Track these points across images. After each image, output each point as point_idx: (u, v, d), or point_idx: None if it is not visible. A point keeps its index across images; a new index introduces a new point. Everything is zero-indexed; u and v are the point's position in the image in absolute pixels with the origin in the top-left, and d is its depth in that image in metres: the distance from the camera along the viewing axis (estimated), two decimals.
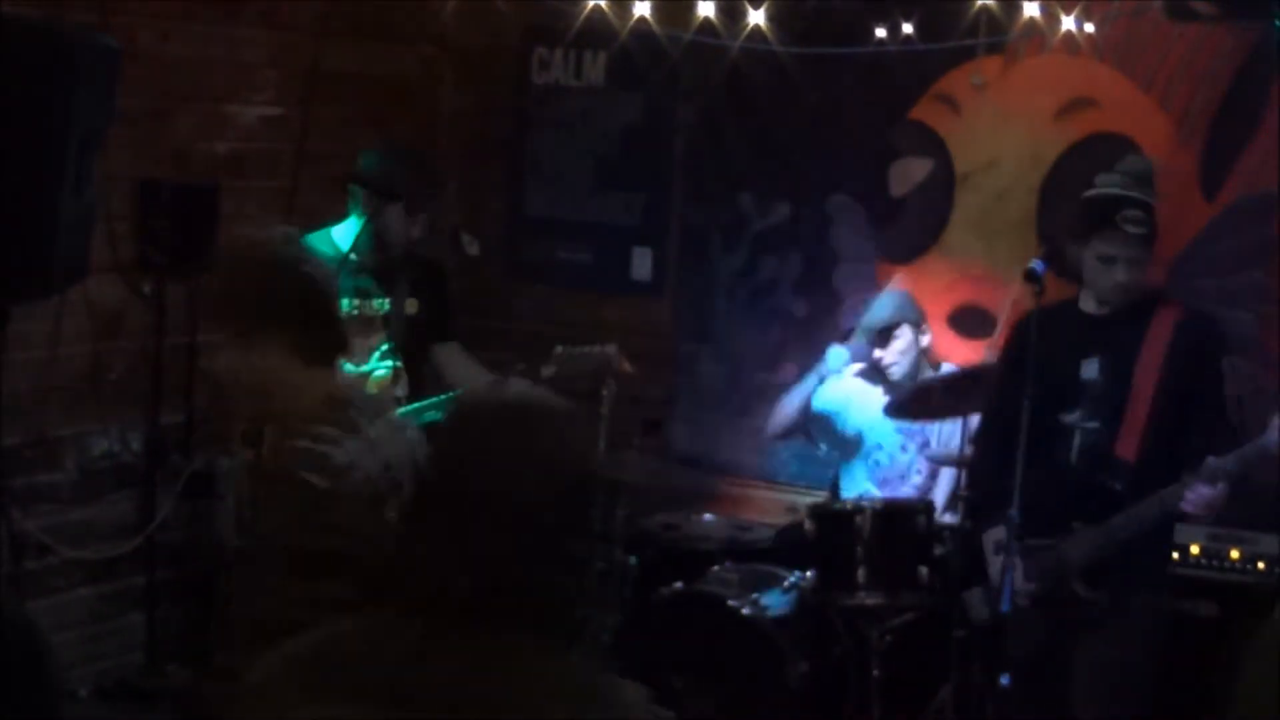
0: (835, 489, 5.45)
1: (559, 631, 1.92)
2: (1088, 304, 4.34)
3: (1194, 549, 4.85)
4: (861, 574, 4.76)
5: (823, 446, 5.55)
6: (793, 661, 4.68)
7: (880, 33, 5.21)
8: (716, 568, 5.15)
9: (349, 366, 4.85)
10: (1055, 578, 4.14)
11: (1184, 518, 4.16)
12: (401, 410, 4.37)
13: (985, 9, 4.67)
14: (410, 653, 1.88)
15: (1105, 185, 4.28)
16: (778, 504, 5.94)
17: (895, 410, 5.08)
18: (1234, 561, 4.82)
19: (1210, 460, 3.98)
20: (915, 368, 5.30)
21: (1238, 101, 5.18)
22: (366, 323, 4.91)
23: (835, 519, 4.88)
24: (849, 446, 5.46)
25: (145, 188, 5.34)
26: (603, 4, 4.89)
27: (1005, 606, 3.90)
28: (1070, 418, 4.17)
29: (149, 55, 5.28)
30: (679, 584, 4.93)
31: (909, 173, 5.75)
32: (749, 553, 5.35)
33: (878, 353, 5.32)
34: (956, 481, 5.12)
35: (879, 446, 5.40)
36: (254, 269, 3.27)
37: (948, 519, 5.00)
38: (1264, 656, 2.90)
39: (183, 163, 5.50)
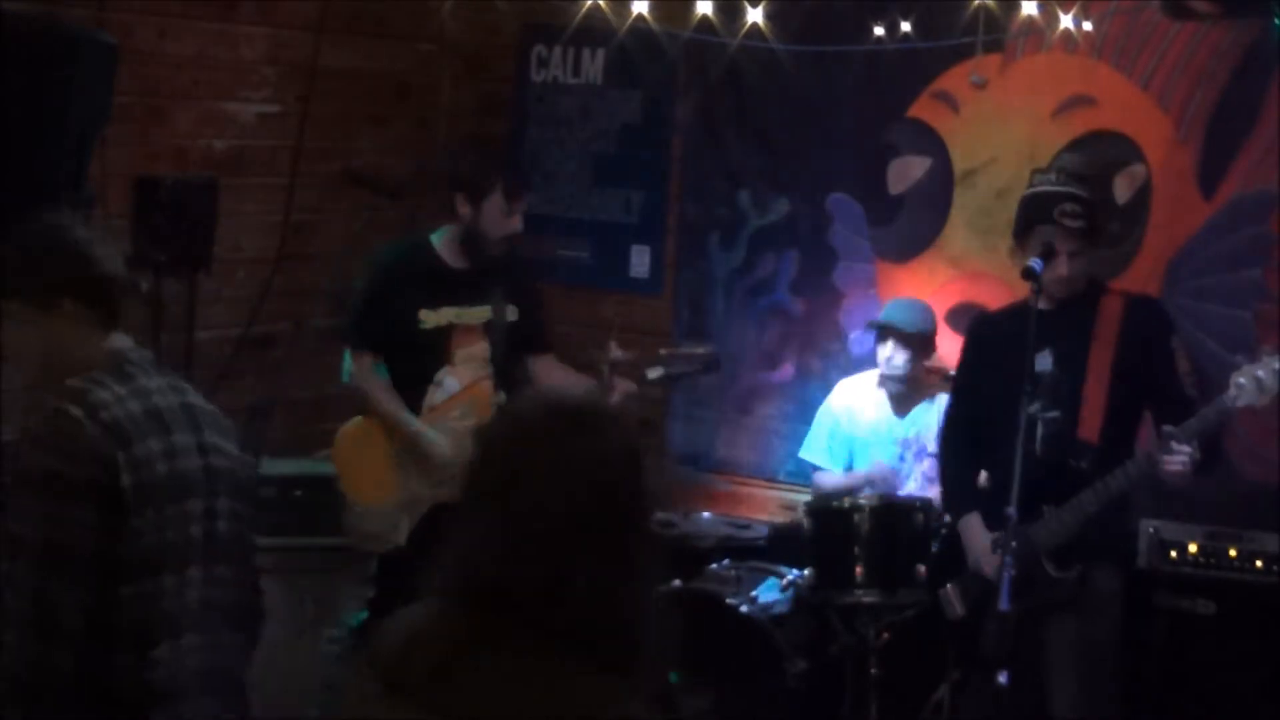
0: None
1: (610, 651, 1.87)
2: (1039, 301, 4.40)
3: (1192, 547, 4.87)
4: (859, 572, 4.77)
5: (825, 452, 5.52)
6: (791, 659, 4.68)
7: (879, 31, 5.20)
8: (714, 565, 5.15)
9: (451, 381, 4.83)
10: (1027, 562, 4.19)
11: (1164, 486, 4.26)
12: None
13: (984, 7, 4.66)
14: (453, 650, 1.85)
15: (1040, 184, 4.37)
16: (775, 502, 5.95)
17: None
18: (1232, 560, 4.84)
19: (1166, 429, 4.11)
20: (913, 370, 5.29)
21: (1236, 100, 5.18)
22: (468, 331, 4.85)
23: (833, 517, 4.88)
24: (849, 453, 5.45)
25: (143, 184, 5.33)
26: (601, 2, 4.88)
27: (1004, 605, 3.91)
28: (1031, 409, 4.23)
29: (147, 51, 5.28)
30: (676, 582, 4.93)
31: (907, 171, 5.75)
32: (747, 550, 5.35)
33: (884, 353, 5.29)
34: None
35: (876, 454, 5.39)
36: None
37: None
38: None
39: (181, 159, 5.50)
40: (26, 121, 3.92)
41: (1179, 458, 4.05)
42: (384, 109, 6.26)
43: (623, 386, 4.82)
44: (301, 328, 5.78)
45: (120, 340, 3.10)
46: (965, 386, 4.66)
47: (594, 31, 5.58)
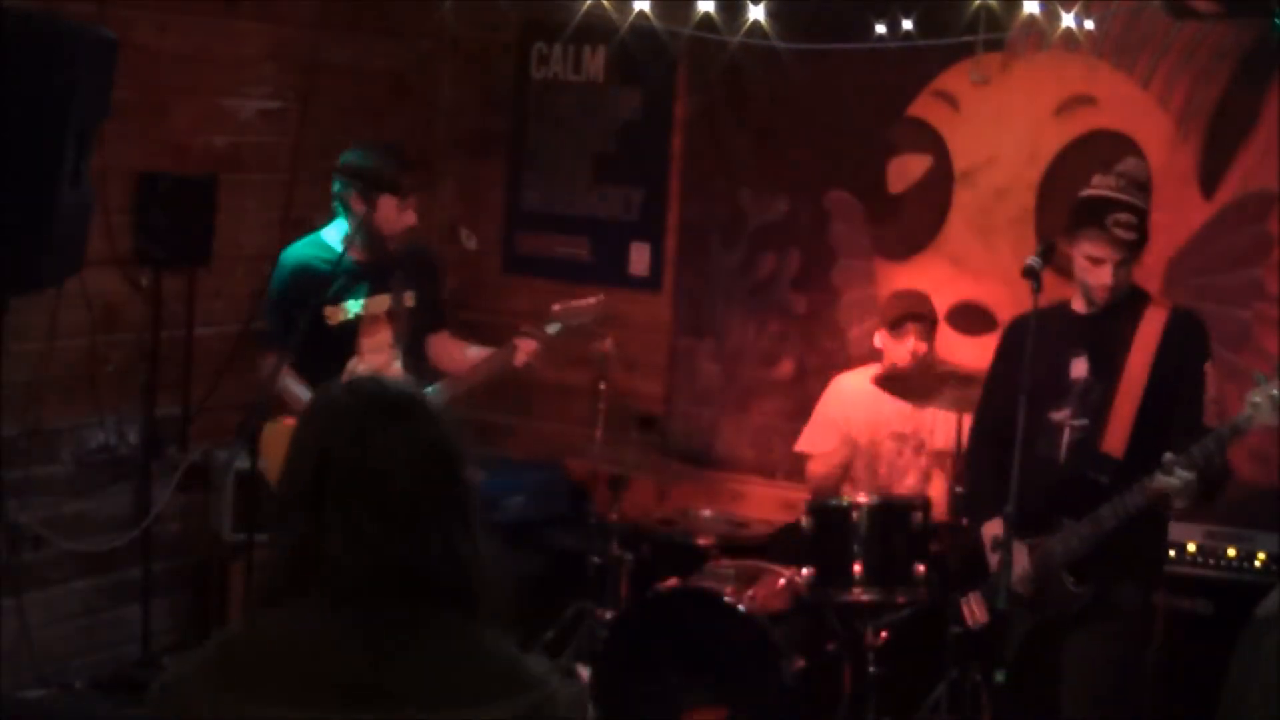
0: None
1: (489, 604, 2.00)
2: (1078, 304, 4.36)
3: (1191, 547, 4.87)
4: (858, 570, 4.77)
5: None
6: (789, 657, 4.67)
7: (879, 29, 5.20)
8: (713, 563, 5.15)
9: (362, 370, 4.83)
10: (1044, 573, 4.16)
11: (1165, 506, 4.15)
12: None
13: (985, 6, 4.66)
14: (352, 641, 1.93)
15: (1100, 187, 4.29)
16: (774, 500, 5.95)
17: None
18: (1231, 559, 4.84)
19: (1167, 456, 3.98)
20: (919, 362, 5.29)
21: (1236, 99, 5.18)
22: (373, 321, 4.90)
23: (832, 515, 4.88)
24: (849, 447, 5.45)
25: (143, 180, 5.34)
26: None
27: (1002, 603, 3.90)
28: (1059, 415, 4.18)
29: (147, 48, 5.28)
30: (675, 579, 4.93)
31: (908, 169, 5.75)
32: (745, 548, 5.35)
33: (907, 345, 5.29)
34: (950, 484, 5.13)
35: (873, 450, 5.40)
36: None
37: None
38: (1245, 653, 2.90)
39: (181, 156, 5.50)
40: (26, 117, 3.92)
41: (1172, 481, 3.95)
42: (384, 106, 6.26)
43: (526, 346, 4.91)
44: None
45: None
46: (995, 389, 4.50)
47: (595, 29, 5.58)
